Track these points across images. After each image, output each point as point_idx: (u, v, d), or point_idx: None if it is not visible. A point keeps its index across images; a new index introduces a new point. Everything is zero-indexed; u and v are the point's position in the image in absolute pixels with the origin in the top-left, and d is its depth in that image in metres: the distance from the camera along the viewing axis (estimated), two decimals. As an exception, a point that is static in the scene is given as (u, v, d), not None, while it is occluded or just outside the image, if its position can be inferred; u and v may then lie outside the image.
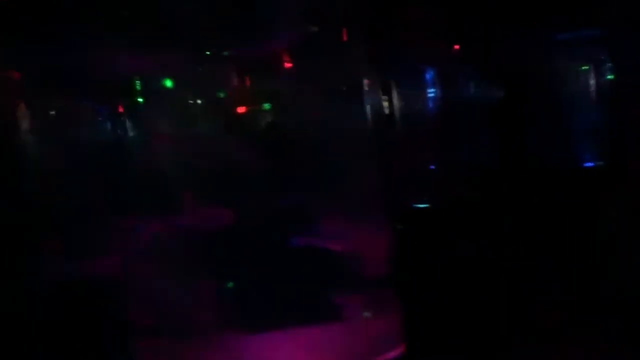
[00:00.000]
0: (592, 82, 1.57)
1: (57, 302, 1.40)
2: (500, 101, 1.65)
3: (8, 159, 1.50)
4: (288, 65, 0.93)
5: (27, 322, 1.36)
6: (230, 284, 0.90)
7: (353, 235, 0.99)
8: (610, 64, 1.52)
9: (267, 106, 0.98)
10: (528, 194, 1.62)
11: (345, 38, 0.97)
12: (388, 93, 1.24)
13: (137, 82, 0.94)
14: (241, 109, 0.96)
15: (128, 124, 1.00)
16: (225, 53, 0.87)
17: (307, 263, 0.99)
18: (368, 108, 1.03)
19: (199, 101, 0.94)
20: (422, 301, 1.23)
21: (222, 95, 0.91)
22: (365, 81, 1.02)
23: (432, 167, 1.81)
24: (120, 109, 1.01)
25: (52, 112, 1.58)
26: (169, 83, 0.89)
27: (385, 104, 1.17)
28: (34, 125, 1.59)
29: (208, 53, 0.90)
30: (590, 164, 1.62)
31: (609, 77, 1.55)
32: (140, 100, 0.96)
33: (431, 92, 1.62)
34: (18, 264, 1.46)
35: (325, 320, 1.03)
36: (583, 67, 1.57)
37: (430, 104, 1.65)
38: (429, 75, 1.59)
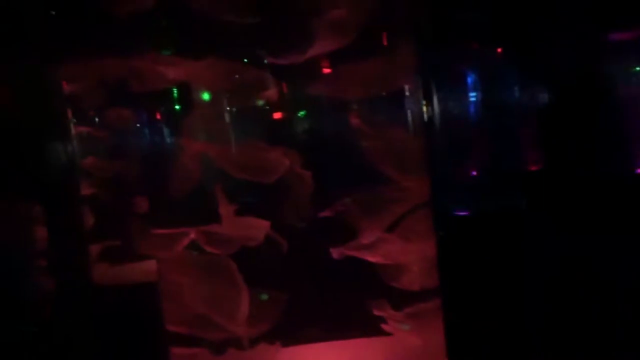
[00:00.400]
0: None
1: (97, 306, 1.41)
2: (548, 105, 1.59)
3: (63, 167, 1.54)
4: (330, 71, 0.90)
5: (67, 324, 1.38)
6: (265, 296, 0.88)
7: (395, 246, 0.94)
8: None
9: (305, 113, 0.96)
10: (577, 201, 1.55)
11: (387, 42, 0.94)
12: (430, 98, 1.21)
13: (176, 91, 0.92)
14: (281, 116, 0.94)
15: (168, 132, 0.99)
16: (266, 61, 0.84)
17: (348, 275, 0.95)
18: (410, 113, 0.99)
19: (239, 109, 0.92)
20: (465, 313, 1.19)
21: (262, 102, 0.88)
22: (409, 86, 0.97)
23: (475, 173, 1.76)
24: (159, 118, 1.01)
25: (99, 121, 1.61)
26: (209, 92, 0.87)
27: (428, 109, 1.14)
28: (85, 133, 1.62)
29: (246, 60, 0.88)
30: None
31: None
32: (180, 108, 0.95)
33: (476, 97, 1.56)
34: (65, 266, 1.49)
35: (366, 333, 0.99)
36: (637, 68, 1.49)
37: (475, 109, 1.60)
38: (474, 80, 1.54)
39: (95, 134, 1.62)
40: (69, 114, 1.65)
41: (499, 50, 1.62)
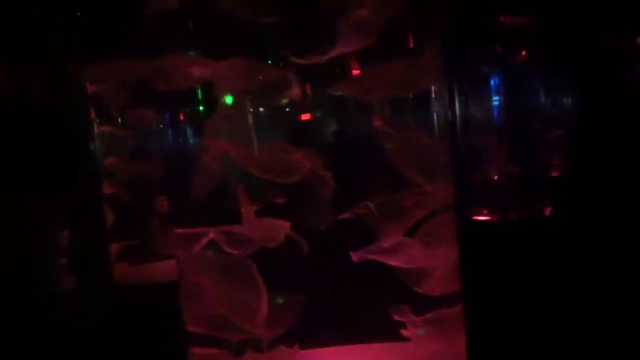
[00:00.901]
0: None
1: (117, 304, 1.42)
2: (575, 109, 1.56)
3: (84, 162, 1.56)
4: (354, 72, 0.90)
5: (87, 323, 1.39)
6: (280, 300, 0.87)
7: (416, 251, 0.93)
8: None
9: (328, 115, 0.95)
10: (603, 207, 1.52)
11: (413, 44, 0.93)
12: (455, 101, 1.19)
13: (200, 91, 0.93)
14: (304, 117, 0.93)
15: (191, 133, 0.99)
16: (289, 60, 0.83)
17: (367, 279, 0.95)
18: (434, 116, 0.97)
19: (262, 110, 0.92)
20: (487, 319, 1.17)
21: (285, 103, 0.88)
22: (434, 88, 0.96)
23: (497, 177, 1.73)
24: (183, 118, 1.01)
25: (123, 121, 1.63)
26: (233, 92, 0.87)
27: (452, 112, 1.12)
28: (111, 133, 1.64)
29: (270, 60, 0.88)
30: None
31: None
32: (203, 109, 0.95)
33: (501, 100, 1.54)
34: (86, 265, 1.50)
35: (386, 338, 1.01)
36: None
37: (500, 112, 1.58)
38: (499, 83, 1.52)
39: (118, 134, 1.64)
40: (92, 113, 1.67)
41: (524, 53, 1.61)
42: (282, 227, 0.94)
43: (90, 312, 1.39)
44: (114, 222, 1.72)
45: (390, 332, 1.00)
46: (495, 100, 1.57)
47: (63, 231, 1.56)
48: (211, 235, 0.97)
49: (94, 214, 1.53)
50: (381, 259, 0.97)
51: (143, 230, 1.61)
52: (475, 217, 1.36)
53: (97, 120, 1.75)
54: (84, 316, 1.38)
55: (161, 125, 1.11)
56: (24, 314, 1.35)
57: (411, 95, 0.99)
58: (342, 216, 0.97)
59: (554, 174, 1.76)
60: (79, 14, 1.66)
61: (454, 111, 1.23)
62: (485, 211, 1.39)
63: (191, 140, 1.00)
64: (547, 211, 1.58)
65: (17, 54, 1.50)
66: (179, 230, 1.02)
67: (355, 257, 0.97)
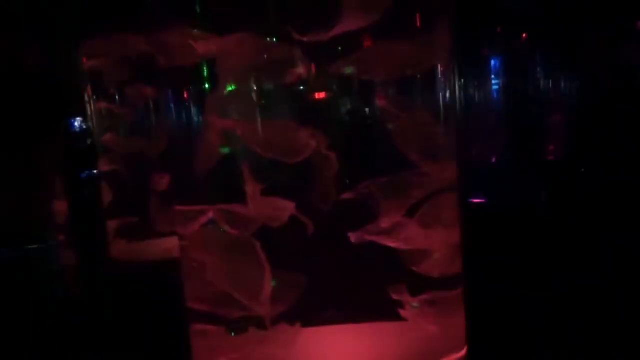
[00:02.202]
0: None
1: (117, 282, 1.42)
2: (577, 95, 1.56)
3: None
4: (358, 50, 0.89)
5: (87, 298, 1.39)
6: (274, 282, 0.88)
7: (415, 232, 0.94)
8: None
9: (333, 93, 0.95)
10: (600, 195, 1.53)
11: (420, 23, 0.92)
12: (459, 83, 1.18)
13: (204, 67, 0.92)
14: (309, 95, 0.92)
15: (194, 110, 0.98)
16: (296, 37, 0.82)
17: (368, 259, 0.95)
18: (439, 97, 0.97)
19: (267, 87, 0.91)
20: (485, 302, 1.18)
21: (291, 81, 0.87)
22: (440, 68, 0.95)
23: (494, 160, 1.73)
24: (185, 95, 1.00)
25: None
26: (238, 68, 0.86)
27: (457, 93, 1.11)
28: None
29: (276, 37, 0.87)
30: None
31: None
32: (207, 85, 0.94)
33: (503, 83, 1.54)
34: (84, 242, 1.50)
35: (386, 317, 1.01)
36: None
37: (502, 95, 1.58)
38: (503, 66, 1.51)
39: (116, 110, 1.63)
40: (89, 90, 1.65)
41: (527, 35, 1.60)
42: (286, 207, 0.93)
43: (90, 288, 1.40)
44: (112, 199, 1.71)
45: (390, 312, 0.99)
46: (499, 83, 1.56)
47: (61, 207, 1.55)
48: (210, 214, 0.93)
49: (92, 191, 1.52)
50: (380, 240, 0.97)
51: (142, 208, 1.61)
52: (476, 200, 1.36)
53: (94, 97, 1.73)
54: (84, 292, 1.38)
55: (162, 102, 1.10)
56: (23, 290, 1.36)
57: (416, 76, 0.98)
58: (344, 196, 0.96)
59: (552, 158, 1.77)
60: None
61: (461, 93, 1.22)
62: (485, 194, 1.39)
63: (194, 117, 0.99)
64: (545, 196, 1.59)
65: (15, 27, 1.47)
66: (179, 208, 1.01)
67: (353, 238, 0.97)
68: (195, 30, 0.95)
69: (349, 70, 0.94)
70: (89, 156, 1.50)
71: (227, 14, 0.93)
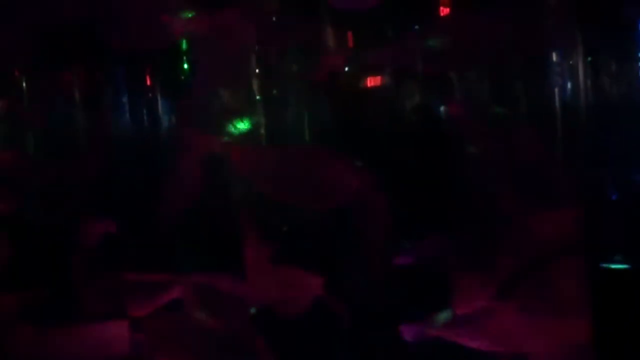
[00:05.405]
0: None
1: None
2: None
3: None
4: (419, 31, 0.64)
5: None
6: None
7: (512, 322, 0.64)
8: None
9: (382, 97, 0.68)
10: None
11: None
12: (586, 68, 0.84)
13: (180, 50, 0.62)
14: (342, 99, 0.66)
15: (156, 117, 0.65)
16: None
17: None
18: (556, 95, 0.72)
19: (278, 85, 0.62)
20: None
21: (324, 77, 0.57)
22: (544, 58, 0.70)
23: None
24: (147, 90, 0.65)
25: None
26: (237, 52, 0.56)
27: (583, 87, 0.80)
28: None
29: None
30: None
31: None
32: (183, 77, 0.62)
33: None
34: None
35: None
36: None
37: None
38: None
39: (18, 112, 1.12)
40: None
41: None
42: (310, 285, 0.65)
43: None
44: (7, 260, 1.18)
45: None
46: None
47: None
48: (176, 291, 0.65)
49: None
50: (452, 336, 0.69)
51: (58, 273, 1.13)
52: (611, 266, 0.97)
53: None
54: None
55: (99, 98, 0.73)
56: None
57: (509, 67, 0.68)
58: (398, 263, 0.69)
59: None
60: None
61: (583, 91, 0.86)
62: (626, 255, 0.95)
63: (159, 124, 0.66)
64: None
65: None
66: (130, 277, 0.66)
67: (407, 334, 0.70)
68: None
69: (404, 61, 0.65)
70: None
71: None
